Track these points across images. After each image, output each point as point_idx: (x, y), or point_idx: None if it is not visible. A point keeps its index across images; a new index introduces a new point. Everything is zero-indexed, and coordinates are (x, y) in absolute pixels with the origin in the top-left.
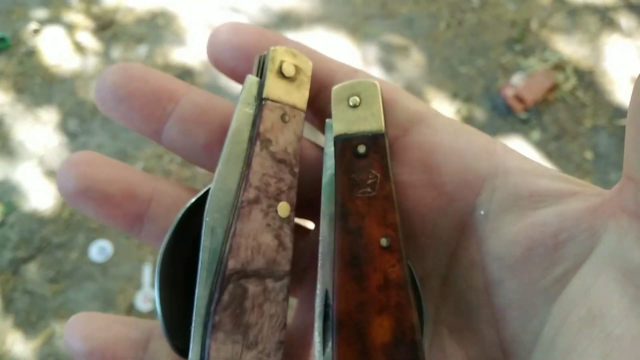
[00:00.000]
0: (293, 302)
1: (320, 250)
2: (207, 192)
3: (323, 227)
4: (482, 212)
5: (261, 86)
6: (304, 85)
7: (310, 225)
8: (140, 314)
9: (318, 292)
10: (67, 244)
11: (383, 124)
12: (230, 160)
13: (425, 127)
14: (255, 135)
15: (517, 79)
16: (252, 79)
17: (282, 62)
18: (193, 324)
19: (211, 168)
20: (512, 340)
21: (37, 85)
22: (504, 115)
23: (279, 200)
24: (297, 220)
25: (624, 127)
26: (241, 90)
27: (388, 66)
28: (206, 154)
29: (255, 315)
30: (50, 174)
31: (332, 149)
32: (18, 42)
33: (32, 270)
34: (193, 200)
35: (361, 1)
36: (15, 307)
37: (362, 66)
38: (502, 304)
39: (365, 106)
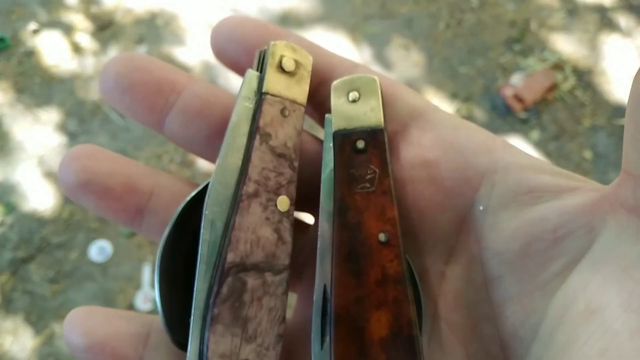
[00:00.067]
0: (292, 301)
1: (319, 245)
2: (207, 186)
3: (322, 222)
4: (481, 208)
5: (261, 80)
6: (304, 79)
7: (309, 220)
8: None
9: (316, 286)
10: (67, 244)
11: (382, 120)
12: (230, 154)
13: (424, 122)
14: (255, 129)
15: (516, 79)
16: (252, 73)
17: (282, 56)
18: (192, 317)
19: (212, 160)
20: (510, 335)
21: (37, 85)
22: (504, 115)
23: (278, 194)
24: (297, 216)
25: (622, 127)
26: (241, 85)
27: (388, 66)
28: (207, 145)
29: (254, 309)
30: (50, 174)
31: (332, 144)
32: (17, 42)
33: (32, 270)
34: (193, 194)
35: (361, 1)
36: (15, 307)
37: None
38: (501, 299)
39: (365, 101)
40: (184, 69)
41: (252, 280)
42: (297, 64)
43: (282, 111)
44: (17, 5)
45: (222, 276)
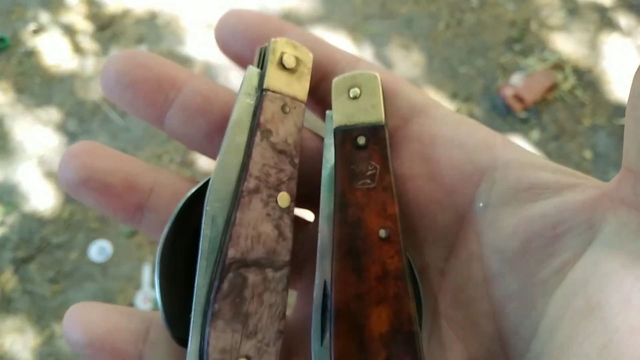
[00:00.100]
0: (292, 300)
1: (319, 241)
2: (207, 183)
3: (322, 219)
4: (481, 205)
5: (262, 77)
6: (304, 76)
7: (309, 217)
8: None
9: (317, 283)
10: (67, 244)
11: (383, 116)
12: (231, 150)
13: (425, 118)
14: (255, 125)
15: (516, 79)
16: (252, 70)
17: (282, 53)
18: (193, 313)
19: (213, 156)
20: (510, 332)
21: (37, 85)
22: (504, 115)
23: (279, 191)
24: (297, 213)
25: (623, 127)
26: (242, 81)
27: (388, 66)
28: (207, 141)
29: (254, 305)
30: (50, 174)
31: (332, 140)
32: (17, 43)
33: (32, 270)
34: (193, 190)
35: (361, 1)
36: (15, 307)
37: None
38: (500, 296)
39: (366, 98)
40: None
41: (252, 276)
42: (298, 60)
43: (283, 108)
44: (17, 5)
45: (223, 272)
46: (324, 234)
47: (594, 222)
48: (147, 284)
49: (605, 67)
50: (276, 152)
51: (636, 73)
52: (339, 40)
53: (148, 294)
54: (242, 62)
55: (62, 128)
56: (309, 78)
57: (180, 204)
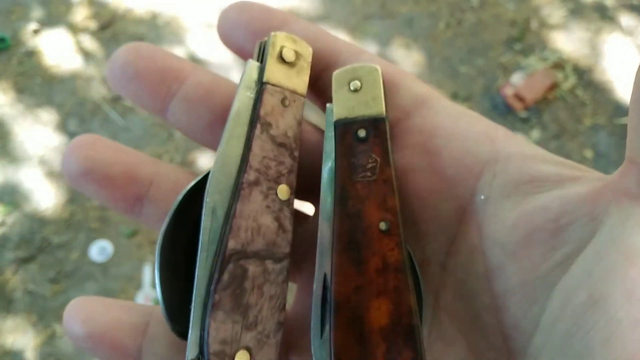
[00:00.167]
0: (291, 299)
1: (319, 234)
2: (207, 176)
3: (322, 211)
4: (482, 197)
5: (261, 71)
6: (304, 70)
7: (310, 210)
8: None
9: (317, 275)
10: (68, 244)
11: (384, 109)
12: (231, 142)
13: (427, 110)
14: (255, 118)
15: (516, 78)
16: (252, 64)
17: (282, 47)
18: (193, 304)
19: (215, 147)
20: (512, 326)
21: (37, 85)
22: (504, 115)
23: (278, 183)
24: (297, 206)
25: (623, 126)
26: (242, 75)
27: None
28: (209, 133)
29: (255, 296)
30: (51, 174)
31: (333, 133)
32: (18, 42)
33: (32, 270)
34: (193, 183)
35: (361, 1)
36: (16, 307)
37: None
38: (502, 289)
39: (366, 90)
40: None
41: (252, 268)
42: (297, 54)
43: (283, 101)
44: (17, 5)
45: (223, 263)
46: (324, 227)
47: (596, 215)
48: (148, 284)
49: (605, 67)
50: (276, 144)
51: (639, 68)
52: None
53: (149, 294)
54: (243, 54)
55: (62, 128)
56: (308, 72)
57: (180, 197)
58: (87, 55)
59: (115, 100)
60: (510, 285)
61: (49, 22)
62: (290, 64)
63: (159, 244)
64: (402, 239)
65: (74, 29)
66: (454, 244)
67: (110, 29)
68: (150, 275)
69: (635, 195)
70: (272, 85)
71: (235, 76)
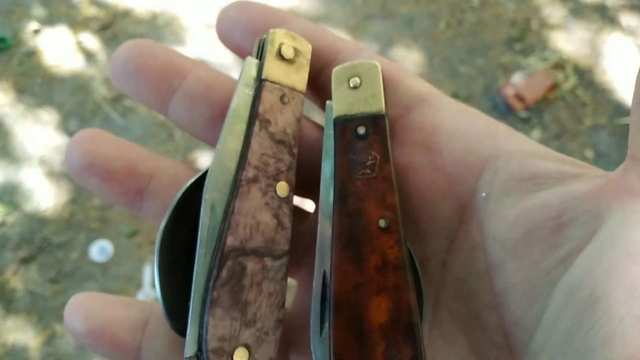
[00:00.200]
0: (290, 298)
1: (318, 231)
2: (206, 173)
3: (322, 209)
4: (483, 194)
5: (260, 68)
6: (303, 67)
7: (309, 208)
8: None
9: (316, 273)
10: (68, 244)
11: (383, 106)
12: (230, 139)
13: (427, 107)
14: (254, 115)
15: (517, 78)
16: (251, 61)
17: (281, 44)
18: (191, 301)
19: (215, 144)
20: (513, 323)
21: (38, 85)
22: (504, 115)
23: (277, 180)
24: (297, 202)
25: (624, 126)
26: (241, 72)
27: None
28: (210, 129)
29: (253, 293)
30: (51, 174)
31: (332, 130)
32: (18, 42)
33: (32, 270)
34: (192, 180)
35: (361, 1)
36: (16, 307)
37: None
38: (503, 287)
39: (366, 87)
40: None
41: (251, 265)
42: (296, 51)
43: (282, 98)
44: (18, 5)
45: (222, 260)
46: (324, 224)
47: (598, 212)
48: (148, 284)
49: (606, 67)
50: (275, 142)
51: None
52: None
53: (149, 294)
54: (243, 53)
55: (63, 128)
56: (307, 69)
57: (179, 194)
58: (87, 55)
59: (116, 100)
60: (511, 283)
61: (49, 22)
62: (289, 61)
63: (158, 241)
64: (402, 236)
65: (75, 29)
66: (454, 242)
67: (111, 29)
68: (150, 275)
69: (638, 192)
70: (271, 82)
71: (235, 76)
